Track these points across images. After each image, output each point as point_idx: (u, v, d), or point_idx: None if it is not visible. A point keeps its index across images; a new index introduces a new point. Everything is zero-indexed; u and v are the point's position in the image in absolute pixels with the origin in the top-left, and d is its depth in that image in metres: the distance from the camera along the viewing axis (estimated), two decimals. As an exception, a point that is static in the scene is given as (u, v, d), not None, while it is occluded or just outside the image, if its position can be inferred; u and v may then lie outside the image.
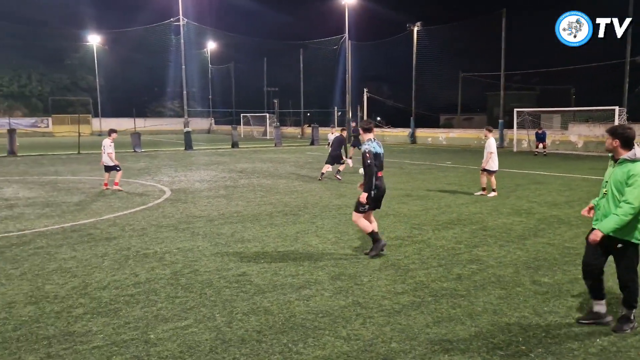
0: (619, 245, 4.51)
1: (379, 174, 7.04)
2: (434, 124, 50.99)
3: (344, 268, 6.58)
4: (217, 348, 4.33)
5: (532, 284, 5.93)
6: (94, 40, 59.79)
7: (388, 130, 45.34)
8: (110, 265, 6.77)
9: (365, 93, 51.47)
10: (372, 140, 7.11)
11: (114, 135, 14.05)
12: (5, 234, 8.61)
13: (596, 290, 4.73)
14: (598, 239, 4.49)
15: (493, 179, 12.74)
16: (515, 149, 31.66)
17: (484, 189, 12.81)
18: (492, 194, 12.56)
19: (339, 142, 16.32)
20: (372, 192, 7.01)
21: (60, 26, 64.00)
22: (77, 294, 5.67)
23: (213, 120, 69.08)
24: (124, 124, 55.88)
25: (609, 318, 4.73)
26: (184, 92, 36.24)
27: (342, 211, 10.57)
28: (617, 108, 26.70)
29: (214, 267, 6.66)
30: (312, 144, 37.76)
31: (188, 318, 4.97)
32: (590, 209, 4.91)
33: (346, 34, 41.59)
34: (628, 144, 4.50)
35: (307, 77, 55.35)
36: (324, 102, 56.88)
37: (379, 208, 7.39)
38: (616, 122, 26.41)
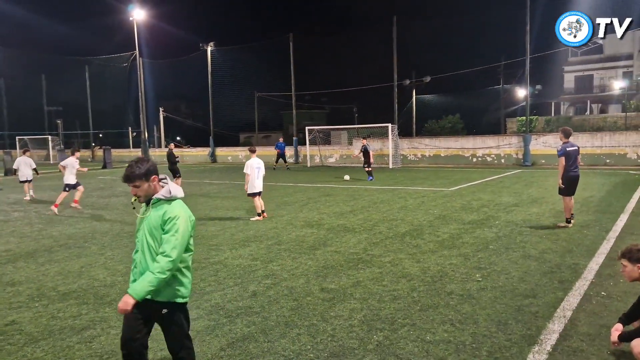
0: (164, 311, 3.58)
1: None
2: (234, 142, 51.70)
3: (134, 300, 6.16)
4: (-29, 418, 3.65)
5: (320, 292, 6.32)
6: None
7: (188, 150, 44.47)
8: None
9: (161, 112, 49.79)
10: None
11: (77, 154, 14.75)
12: None
13: None
14: (130, 307, 3.40)
15: (256, 200, 11.94)
16: (309, 164, 33.80)
17: (258, 214, 11.95)
18: (255, 217, 11.89)
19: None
20: None
21: None
22: None
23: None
24: None
25: None
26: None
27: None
28: (390, 125, 30.47)
29: (-29, 320, 5.64)
30: (104, 167, 35.00)
31: None
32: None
33: (136, 51, 39.78)
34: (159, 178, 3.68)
35: (96, 96, 51.27)
36: (117, 122, 53.38)
37: None
38: (390, 137, 30.18)
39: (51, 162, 45.21)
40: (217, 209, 13.82)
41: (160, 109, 50.38)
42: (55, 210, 13.60)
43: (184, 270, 3.60)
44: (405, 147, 32.09)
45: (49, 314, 5.78)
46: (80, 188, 14.50)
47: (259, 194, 12.02)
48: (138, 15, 38.39)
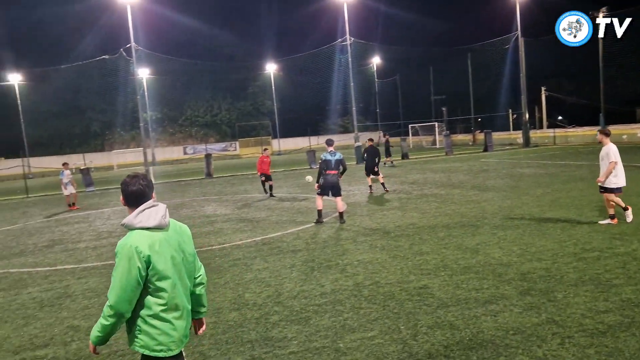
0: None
1: (326, 172, 11.16)
2: (628, 119, 45.01)
3: (533, 282, 6.12)
4: (405, 361, 4.35)
5: None
6: (270, 68, 65.49)
7: (572, 130, 41.27)
8: (298, 276, 7.25)
9: (543, 92, 47.75)
10: (328, 152, 11.33)
11: None
12: (209, 247, 9.79)
13: None
14: (90, 349, 3.12)
15: (615, 198, 9.00)
16: None
17: (612, 217, 9.05)
18: (607, 221, 9.05)
19: (373, 153, 16.77)
20: (320, 182, 11.21)
21: (243, 59, 71.46)
22: (272, 302, 6.19)
23: (382, 134, 70.19)
24: (300, 142, 59.92)
25: None
26: (353, 108, 37.54)
27: (526, 221, 9.87)
28: None
29: (394, 279, 6.72)
30: (485, 150, 36.03)
31: (373, 329, 5.08)
32: None
33: (518, 31, 39.15)
34: (129, 202, 3.11)
35: (475, 82, 53.20)
36: (494, 106, 54.13)
37: (327, 195, 11.28)
38: None
39: (437, 146, 49.49)
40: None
41: (542, 88, 48.36)
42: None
43: (147, 318, 2.98)
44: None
45: (454, 283, 6.34)
46: None
47: (615, 190, 9.01)
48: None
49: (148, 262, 2.91)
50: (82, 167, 31.96)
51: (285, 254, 8.65)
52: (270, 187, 17.71)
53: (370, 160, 16.61)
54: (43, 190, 29.43)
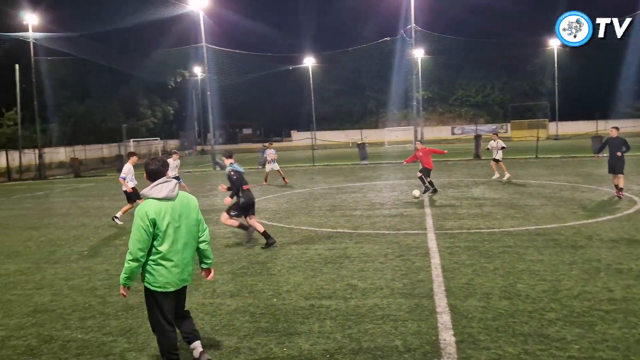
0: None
1: (245, 188, 8.85)
2: None
3: None
4: None
5: None
6: (554, 44, 59.56)
7: None
8: (579, 275, 6.51)
9: None
10: (235, 164, 8.93)
11: None
12: (478, 230, 9.58)
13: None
14: (121, 292, 4.16)
15: None
16: None
17: None
18: None
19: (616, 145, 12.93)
20: (241, 201, 8.87)
21: (522, 35, 66.75)
22: (548, 298, 5.71)
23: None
24: (581, 126, 53.50)
25: None
26: (658, 88, 31.44)
27: None
28: None
29: None
30: None
31: (681, 354, 4.23)
32: None
33: None
34: (149, 177, 4.17)
35: None
36: None
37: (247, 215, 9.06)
38: None
39: None
40: None
41: None
42: None
43: (150, 262, 4.02)
44: None
45: None
46: None
47: None
48: None
49: (154, 223, 3.93)
50: (358, 142, 34.89)
51: (564, 249, 7.86)
52: (424, 180, 14.79)
53: (612, 154, 12.90)
54: (326, 160, 33.23)
